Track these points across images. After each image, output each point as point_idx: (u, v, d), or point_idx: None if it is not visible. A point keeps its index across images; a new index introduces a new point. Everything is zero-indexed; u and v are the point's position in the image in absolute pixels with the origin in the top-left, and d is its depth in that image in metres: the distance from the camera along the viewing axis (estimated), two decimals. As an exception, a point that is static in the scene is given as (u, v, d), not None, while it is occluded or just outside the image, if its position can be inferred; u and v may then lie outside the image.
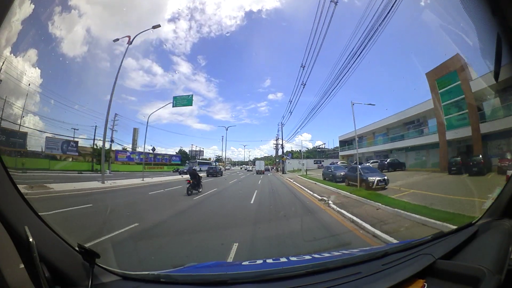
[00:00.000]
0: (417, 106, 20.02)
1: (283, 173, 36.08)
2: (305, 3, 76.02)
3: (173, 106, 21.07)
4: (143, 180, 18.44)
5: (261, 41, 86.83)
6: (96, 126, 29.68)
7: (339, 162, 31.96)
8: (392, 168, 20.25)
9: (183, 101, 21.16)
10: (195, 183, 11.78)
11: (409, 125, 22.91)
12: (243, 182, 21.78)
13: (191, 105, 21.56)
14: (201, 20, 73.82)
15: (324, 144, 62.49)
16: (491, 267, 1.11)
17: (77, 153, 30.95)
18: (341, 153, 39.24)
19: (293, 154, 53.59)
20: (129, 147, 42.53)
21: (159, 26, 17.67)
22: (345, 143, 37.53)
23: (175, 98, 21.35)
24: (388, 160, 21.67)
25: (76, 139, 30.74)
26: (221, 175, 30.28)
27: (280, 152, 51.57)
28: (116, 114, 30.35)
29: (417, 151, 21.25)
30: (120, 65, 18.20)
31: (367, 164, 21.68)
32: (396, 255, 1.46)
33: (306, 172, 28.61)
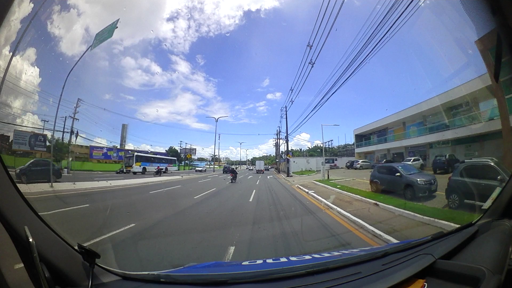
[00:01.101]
0: (467, 84, 13.33)
1: (287, 175, 26.96)
2: (304, 2, 76.03)
3: (92, 49, 13.54)
4: (51, 186, 11.42)
5: (260, 40, 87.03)
6: (65, 117, 22.44)
7: (360, 161, 27.29)
8: (443, 168, 13.72)
9: (103, 35, 13.10)
10: (233, 177, 19.28)
11: (455, 110, 16.39)
12: (213, 201, 10.04)
13: (111, 36, 15.60)
14: (200, 20, 74.01)
15: (332, 141, 55.03)
16: (491, 267, 1.11)
17: (45, 149, 24.69)
18: (357, 150, 32.32)
19: (293, 153, 48.55)
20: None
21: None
22: (362, 138, 30.94)
23: (97, 35, 13.66)
24: (447, 156, 14.96)
25: (45, 133, 24.08)
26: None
27: (282, 149, 44.78)
28: (79, 99, 22.04)
29: (467, 144, 15.51)
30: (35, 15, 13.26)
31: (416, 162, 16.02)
32: (396, 255, 1.46)
33: (328, 175, 18.10)
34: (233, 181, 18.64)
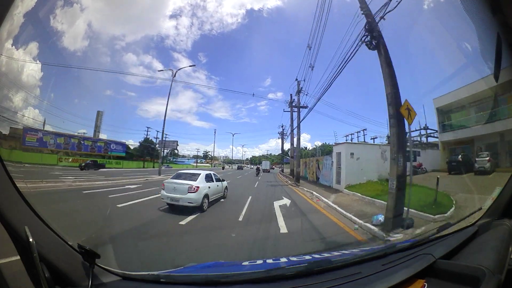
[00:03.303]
0: None
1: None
2: (307, 1, 76.05)
3: None
4: None
5: (262, 39, 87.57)
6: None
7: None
8: None
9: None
10: (258, 173, 27.74)
11: None
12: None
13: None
14: (203, 17, 74.30)
15: (365, 129, 33.77)
16: (491, 267, 1.11)
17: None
18: (443, 138, 15.77)
19: (302, 153, 34.15)
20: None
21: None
22: (445, 115, 15.32)
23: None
24: None
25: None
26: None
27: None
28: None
29: None
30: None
31: None
32: (396, 255, 1.46)
33: None
34: (256, 175, 26.68)
